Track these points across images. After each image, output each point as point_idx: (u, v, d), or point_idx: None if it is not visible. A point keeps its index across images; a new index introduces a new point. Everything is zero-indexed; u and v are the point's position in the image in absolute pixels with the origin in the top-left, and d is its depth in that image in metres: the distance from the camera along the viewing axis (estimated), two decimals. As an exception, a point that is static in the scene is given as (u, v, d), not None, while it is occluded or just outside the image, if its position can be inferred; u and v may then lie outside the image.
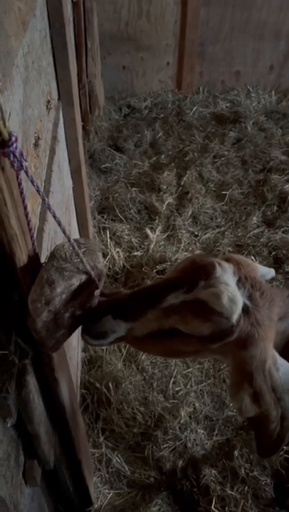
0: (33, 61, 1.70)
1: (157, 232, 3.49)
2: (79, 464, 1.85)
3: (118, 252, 3.30)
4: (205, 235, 3.56)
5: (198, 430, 2.50)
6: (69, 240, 1.04)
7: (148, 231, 3.47)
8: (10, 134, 0.85)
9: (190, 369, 2.78)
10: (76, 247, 1.05)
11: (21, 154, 0.90)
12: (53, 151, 2.04)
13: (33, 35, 1.72)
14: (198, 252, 3.39)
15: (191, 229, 3.61)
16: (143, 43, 4.76)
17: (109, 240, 3.39)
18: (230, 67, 5.02)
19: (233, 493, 2.24)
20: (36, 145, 1.73)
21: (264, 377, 1.28)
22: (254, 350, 1.28)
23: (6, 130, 0.85)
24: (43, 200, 0.96)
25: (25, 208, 1.00)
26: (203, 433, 2.49)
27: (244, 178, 4.14)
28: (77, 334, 2.54)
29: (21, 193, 0.97)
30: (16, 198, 0.97)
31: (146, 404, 2.56)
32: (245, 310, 1.23)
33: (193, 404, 2.60)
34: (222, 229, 3.64)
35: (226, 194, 3.93)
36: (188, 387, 2.69)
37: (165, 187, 3.91)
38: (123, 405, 2.50)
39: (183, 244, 3.42)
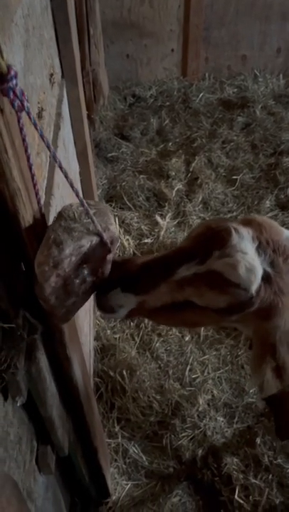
0: (34, 27, 1.61)
1: (167, 219, 3.39)
2: (95, 452, 1.76)
3: (128, 239, 3.21)
4: (217, 220, 3.45)
5: (218, 418, 2.39)
6: (77, 195, 0.94)
7: (158, 218, 3.37)
8: (9, 67, 0.76)
9: (206, 356, 2.68)
10: (86, 205, 0.95)
11: (22, 93, 0.81)
12: (57, 127, 1.95)
13: (33, 1, 1.63)
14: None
15: (202, 215, 3.50)
16: (146, 30, 4.66)
17: (118, 227, 3.30)
18: (237, 51, 4.90)
19: (256, 481, 2.14)
20: (40, 116, 1.65)
21: (288, 349, 1.18)
22: (278, 320, 1.17)
23: (5, 62, 0.76)
24: (48, 147, 0.86)
25: (28, 158, 0.91)
26: (222, 421, 2.39)
27: (255, 163, 4.03)
28: (88, 321, 2.45)
29: (23, 140, 0.88)
30: (17, 147, 0.88)
31: (162, 392, 2.46)
32: (267, 278, 1.13)
33: (212, 392, 2.50)
34: (234, 214, 3.53)
35: (236, 179, 3.82)
36: (205, 374, 2.59)
37: (174, 173, 3.81)
38: (138, 394, 2.40)
39: (194, 229, 3.31)
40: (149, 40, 4.75)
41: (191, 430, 2.33)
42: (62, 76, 2.29)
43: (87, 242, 0.96)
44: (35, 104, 1.57)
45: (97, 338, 2.68)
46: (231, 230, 1.10)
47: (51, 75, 1.93)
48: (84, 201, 0.96)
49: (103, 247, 1.00)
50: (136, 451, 2.25)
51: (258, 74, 5.03)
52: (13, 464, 1.15)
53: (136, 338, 2.73)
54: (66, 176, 0.93)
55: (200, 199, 3.59)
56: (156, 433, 2.32)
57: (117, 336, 2.72)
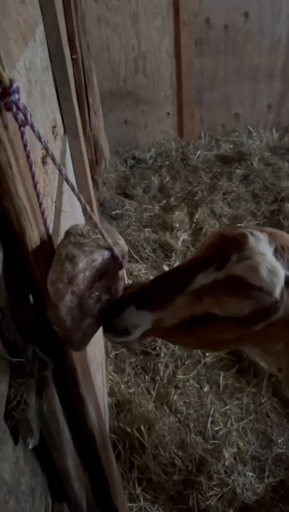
0: (36, 81, 1.69)
1: (175, 269, 3.36)
2: (115, 514, 1.60)
3: (137, 291, 3.15)
4: (225, 267, 3.42)
5: (247, 473, 2.20)
6: (84, 209, 0.92)
7: (165, 268, 3.34)
8: (11, 81, 0.78)
9: (228, 406, 2.52)
10: (95, 218, 0.93)
11: (25, 107, 0.81)
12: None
13: (34, 58, 1.72)
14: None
15: (209, 263, 3.47)
16: (142, 97, 4.93)
17: (126, 279, 3.26)
18: (229, 110, 5.14)
19: None
20: (44, 162, 1.68)
21: None
22: None
23: (7, 75, 0.77)
24: (46, 149, 0.85)
25: (33, 176, 0.90)
26: (252, 475, 2.20)
27: (257, 210, 4.07)
28: (100, 374, 2.34)
29: (28, 157, 0.88)
30: (22, 165, 0.88)
31: (184, 447, 2.29)
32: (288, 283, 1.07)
33: (237, 444, 2.33)
34: (242, 260, 3.50)
35: (241, 227, 3.83)
36: (228, 425, 2.42)
37: (178, 225, 3.85)
38: (159, 450, 2.24)
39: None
40: (145, 106, 5.00)
41: (218, 488, 2.14)
42: (64, 132, 2.38)
43: (99, 256, 0.93)
44: (39, 150, 1.61)
45: (111, 393, 2.55)
46: (247, 234, 1.06)
47: (53, 127, 2.00)
48: (92, 215, 0.94)
49: (115, 261, 0.97)
50: (160, 515, 2.06)
51: (252, 130, 5.24)
52: (25, 520, 1.03)
53: (152, 391, 2.60)
54: (73, 189, 0.91)
55: (206, 248, 3.58)
56: (181, 493, 2.13)
57: (132, 390, 2.59)
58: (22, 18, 1.53)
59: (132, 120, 5.08)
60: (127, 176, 4.78)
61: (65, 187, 1.98)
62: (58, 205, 1.79)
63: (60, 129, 2.22)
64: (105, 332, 1.13)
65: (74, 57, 3.78)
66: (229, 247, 1.06)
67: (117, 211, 4.18)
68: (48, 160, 1.74)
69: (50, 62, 2.14)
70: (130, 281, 3.04)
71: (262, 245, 1.05)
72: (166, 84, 4.91)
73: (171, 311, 1.08)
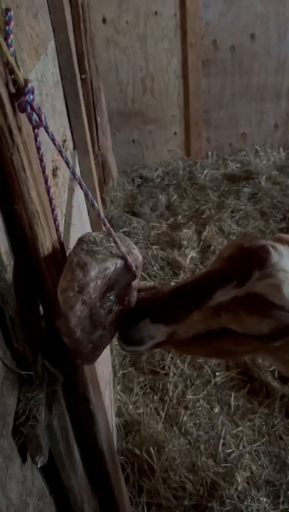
0: (47, 94, 1.70)
1: (184, 287, 3.31)
2: (125, 540, 1.52)
3: (145, 308, 3.10)
4: (234, 284, 3.37)
5: (260, 498, 2.11)
6: (98, 215, 0.89)
7: (174, 286, 3.30)
8: (26, 81, 0.76)
9: (240, 428, 2.44)
10: (108, 225, 0.90)
11: (39, 108, 0.80)
12: (72, 190, 1.97)
13: (46, 72, 1.73)
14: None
15: (218, 280, 3.43)
16: (150, 117, 4.97)
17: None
18: (236, 129, 5.17)
19: None
20: (54, 175, 1.67)
21: None
22: None
23: (22, 75, 0.75)
24: (60, 152, 0.83)
25: (46, 180, 0.88)
26: (266, 501, 2.11)
27: (266, 228, 4.04)
28: (108, 393, 2.28)
29: (41, 161, 0.86)
30: (35, 168, 0.85)
31: (195, 470, 2.21)
32: None
33: (250, 468, 2.24)
34: (251, 278, 3.45)
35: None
36: (240, 448, 2.34)
37: (186, 243, 3.82)
38: (169, 473, 2.15)
39: (213, 295, 3.22)
40: (152, 126, 5.04)
41: (231, 514, 2.05)
42: (74, 148, 2.38)
43: (112, 265, 0.89)
44: (50, 162, 1.60)
45: (118, 414, 2.48)
46: (269, 248, 1.02)
47: (64, 141, 2.00)
48: (106, 222, 0.91)
49: (128, 271, 0.93)
50: None
51: (259, 149, 5.25)
52: None
53: (161, 412, 2.53)
54: (86, 195, 0.89)
55: (215, 265, 3.54)
56: (192, 519, 2.04)
57: (141, 410, 2.51)
58: (35, 32, 1.53)
59: (139, 140, 5.12)
60: (134, 194, 4.79)
61: (75, 201, 1.97)
62: (68, 218, 1.77)
63: (70, 144, 2.22)
64: (119, 339, 1.09)
65: (83, 77, 3.83)
66: (250, 262, 1.02)
67: (125, 229, 4.16)
68: (58, 172, 1.73)
69: (61, 78, 2.15)
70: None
71: (284, 261, 1.01)
72: (174, 105, 4.96)
73: (186, 325, 1.04)
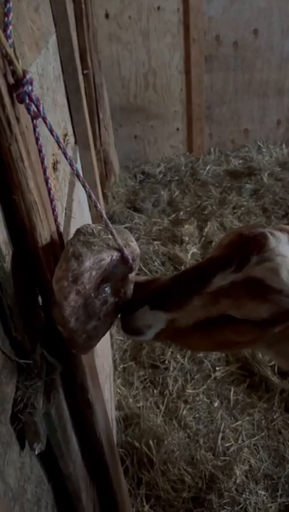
0: (48, 88, 1.70)
1: (185, 282, 3.32)
2: (124, 530, 1.54)
3: (146, 303, 3.12)
4: (235, 280, 3.38)
5: (259, 491, 2.13)
6: (96, 206, 0.90)
7: (175, 281, 3.31)
8: (24, 72, 0.77)
9: (239, 422, 2.46)
10: (105, 217, 0.91)
11: (38, 99, 0.80)
12: (72, 184, 1.98)
13: (47, 66, 1.73)
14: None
15: (219, 276, 3.43)
16: (152, 112, 4.97)
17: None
18: (239, 126, 5.16)
19: None
20: (55, 168, 1.68)
21: None
22: None
23: (20, 66, 0.76)
24: (58, 143, 0.84)
25: (44, 171, 0.89)
26: (264, 494, 2.12)
27: (268, 224, 4.03)
28: (108, 386, 2.29)
29: (40, 151, 0.87)
30: (33, 159, 0.86)
31: (194, 463, 2.22)
32: None
33: (248, 461, 2.25)
34: (252, 273, 3.46)
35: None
36: (239, 442, 2.35)
37: (187, 238, 3.82)
38: (168, 466, 2.17)
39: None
40: (155, 122, 5.04)
41: (230, 507, 2.06)
42: (75, 143, 2.38)
43: (108, 257, 0.90)
44: (50, 155, 1.61)
45: (118, 407, 2.50)
46: (267, 234, 1.03)
47: (65, 135, 2.00)
48: (103, 214, 0.92)
49: (124, 264, 0.94)
50: (169, 534, 1.98)
51: (261, 145, 5.24)
52: (30, 530, 0.98)
53: (160, 405, 2.54)
54: (84, 186, 0.90)
55: (216, 261, 3.55)
56: (190, 511, 2.05)
57: (140, 404, 2.53)
58: (36, 26, 1.54)
59: (141, 135, 5.12)
60: (136, 190, 4.79)
61: (76, 195, 1.98)
62: (68, 211, 1.78)
63: (71, 139, 2.23)
64: (122, 330, 1.11)
65: (85, 72, 3.83)
66: (249, 247, 1.03)
67: (126, 224, 4.16)
68: (59, 166, 1.74)
69: (63, 73, 2.16)
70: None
71: (283, 246, 1.02)
72: (176, 100, 4.95)
73: (186, 311, 1.05)
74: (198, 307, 1.04)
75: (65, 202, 1.80)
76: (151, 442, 2.25)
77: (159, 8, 4.41)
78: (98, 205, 0.92)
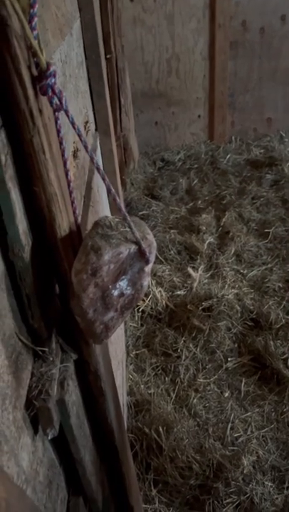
0: (71, 75, 1.70)
1: (200, 271, 3.32)
2: (130, 513, 1.58)
3: (160, 291, 3.14)
4: (251, 272, 3.36)
5: (266, 482, 2.15)
6: (114, 200, 0.91)
7: (190, 270, 3.31)
8: (48, 64, 0.77)
9: (249, 413, 2.47)
10: (124, 210, 0.92)
11: (60, 92, 0.81)
12: (92, 172, 1.99)
13: (70, 52, 1.73)
14: (245, 289, 3.18)
15: (235, 267, 3.43)
16: (174, 99, 4.91)
17: (150, 279, 3.25)
18: (262, 114, 5.07)
19: None
20: (75, 156, 1.68)
21: None
22: None
23: (44, 58, 0.76)
24: (79, 136, 0.84)
25: (64, 163, 0.90)
26: (271, 486, 2.14)
27: (287, 216, 3.99)
28: (120, 372, 2.33)
29: (60, 143, 0.87)
30: (54, 150, 0.87)
31: (202, 451, 2.25)
32: None
33: (256, 452, 2.27)
34: (269, 265, 3.44)
35: (269, 232, 3.77)
36: (248, 433, 2.37)
37: (204, 228, 3.80)
38: (176, 453, 2.20)
39: (229, 281, 3.23)
40: (176, 108, 4.99)
41: (236, 496, 2.09)
42: (96, 130, 2.38)
43: (126, 250, 0.91)
44: (71, 143, 1.61)
45: (130, 393, 2.54)
46: None
47: (86, 122, 2.00)
48: (122, 207, 0.92)
49: (141, 256, 0.95)
50: (175, 519, 2.02)
51: (284, 135, 5.15)
52: (42, 509, 1.02)
53: (171, 393, 2.57)
54: (104, 179, 0.90)
55: (232, 251, 3.54)
56: (197, 498, 2.09)
57: (152, 390, 2.56)
58: (60, 12, 1.53)
59: (162, 122, 5.07)
60: (155, 177, 4.77)
61: (94, 183, 1.98)
62: (87, 200, 1.79)
63: (92, 126, 2.23)
64: None
65: (108, 56, 3.80)
66: None
67: (144, 212, 4.16)
68: (79, 154, 1.75)
69: (86, 59, 2.15)
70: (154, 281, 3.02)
71: None
72: (199, 87, 4.89)
73: None
74: None
75: (84, 190, 1.81)
76: (160, 429, 2.28)
77: (185, -9, 4.33)
78: (117, 198, 0.93)
